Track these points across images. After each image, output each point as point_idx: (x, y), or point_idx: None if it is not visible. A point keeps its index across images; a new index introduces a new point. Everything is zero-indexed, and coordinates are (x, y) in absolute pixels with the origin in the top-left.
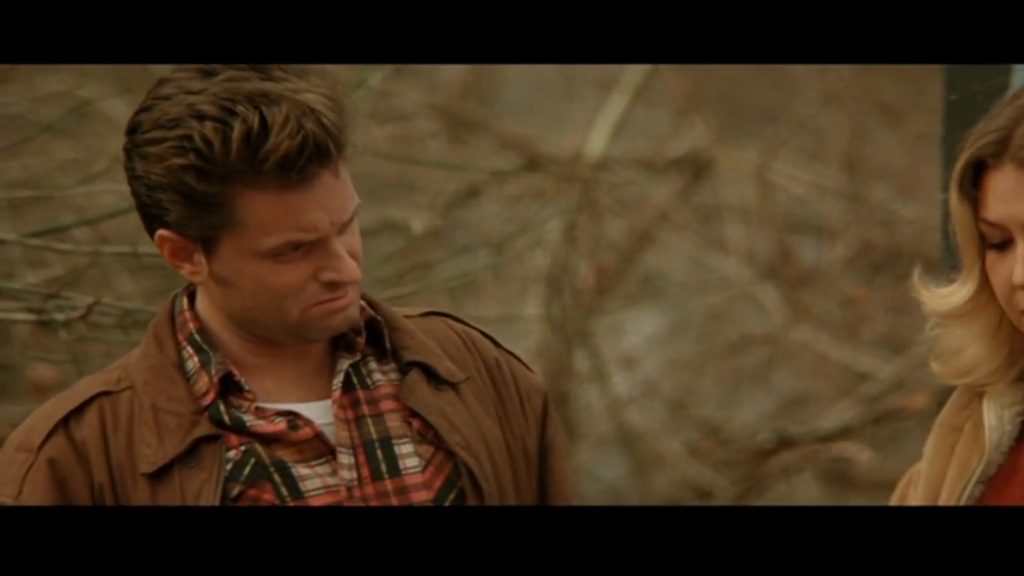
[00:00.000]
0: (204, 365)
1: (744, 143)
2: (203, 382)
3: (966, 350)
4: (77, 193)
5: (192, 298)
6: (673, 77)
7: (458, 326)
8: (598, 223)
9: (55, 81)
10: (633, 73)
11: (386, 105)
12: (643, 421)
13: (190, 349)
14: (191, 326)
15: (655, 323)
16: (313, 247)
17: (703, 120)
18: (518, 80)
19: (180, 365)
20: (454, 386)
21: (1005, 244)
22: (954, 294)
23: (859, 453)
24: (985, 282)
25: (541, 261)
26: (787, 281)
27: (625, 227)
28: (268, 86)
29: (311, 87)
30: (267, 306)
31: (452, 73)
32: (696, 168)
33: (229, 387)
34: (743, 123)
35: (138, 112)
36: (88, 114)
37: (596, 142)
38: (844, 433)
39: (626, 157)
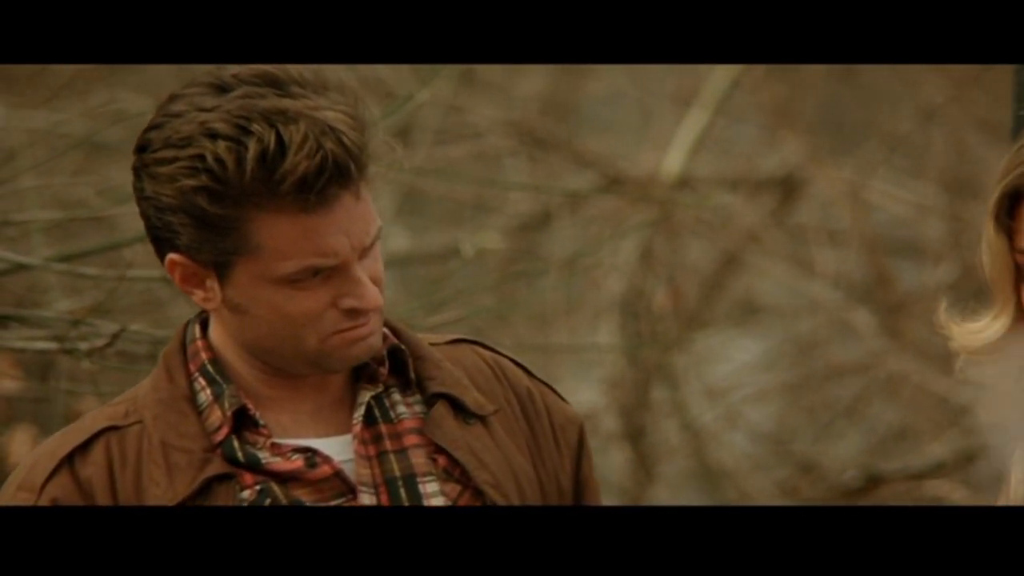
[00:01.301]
0: (217, 398)
1: (839, 160)
2: (216, 416)
3: (996, 387)
4: (115, 214)
5: (205, 326)
6: (759, 90)
7: (487, 354)
8: (677, 246)
9: (105, 97)
10: (714, 86)
11: (458, 121)
12: (727, 457)
13: (202, 381)
14: (203, 356)
15: (741, 352)
16: (333, 273)
17: (795, 136)
18: (594, 95)
19: (191, 398)
20: (483, 419)
21: None
22: (987, 329)
23: (953, 492)
24: (1020, 316)
25: (616, 286)
26: (884, 307)
27: (709, 250)
28: (285, 103)
29: (331, 104)
30: (284, 335)
31: (528, 87)
32: (787, 187)
33: (243, 422)
34: (837, 139)
35: (147, 130)
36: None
37: (675, 160)
38: (938, 470)
39: (709, 175)
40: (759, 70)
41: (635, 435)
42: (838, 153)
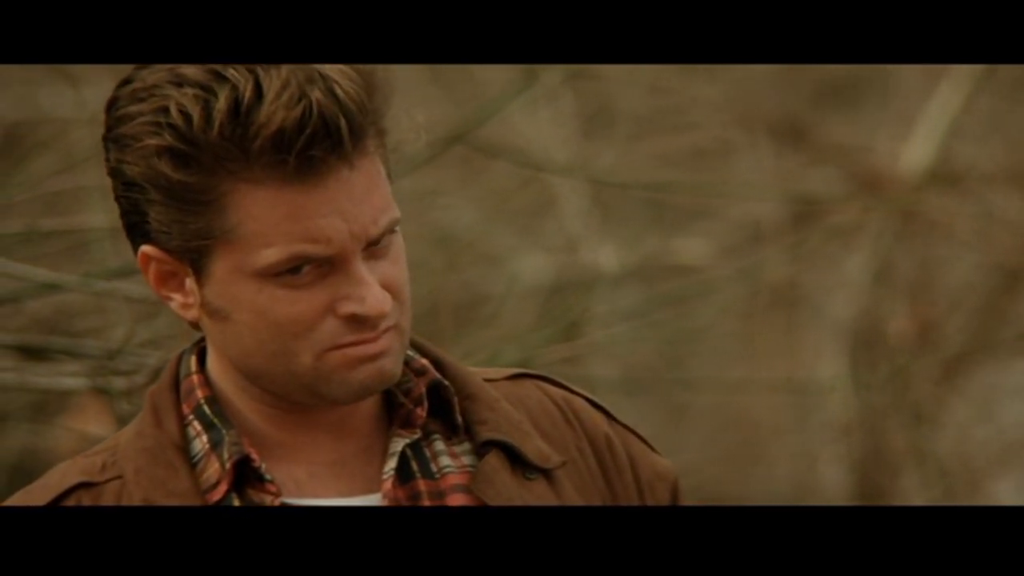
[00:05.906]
0: (215, 446)
1: None
2: (213, 469)
3: None
4: None
5: (203, 358)
6: None
7: (556, 392)
8: (927, 259)
9: None
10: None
11: (669, 106)
12: None
13: (197, 425)
14: (199, 394)
15: (1015, 392)
16: (330, 270)
17: None
18: (814, 77)
19: (183, 447)
20: (547, 473)
21: None
22: None
23: None
24: None
25: (844, 310)
26: None
27: (974, 263)
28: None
29: None
30: (272, 349)
31: (749, 68)
32: None
33: (246, 475)
34: None
35: (118, 85)
36: None
37: (923, 151)
38: None
39: (972, 169)
40: None
41: (870, 494)
42: None
